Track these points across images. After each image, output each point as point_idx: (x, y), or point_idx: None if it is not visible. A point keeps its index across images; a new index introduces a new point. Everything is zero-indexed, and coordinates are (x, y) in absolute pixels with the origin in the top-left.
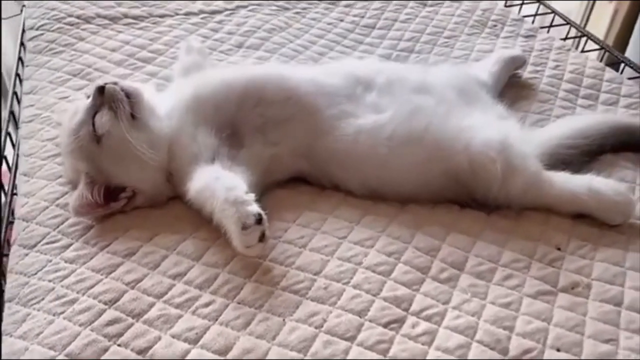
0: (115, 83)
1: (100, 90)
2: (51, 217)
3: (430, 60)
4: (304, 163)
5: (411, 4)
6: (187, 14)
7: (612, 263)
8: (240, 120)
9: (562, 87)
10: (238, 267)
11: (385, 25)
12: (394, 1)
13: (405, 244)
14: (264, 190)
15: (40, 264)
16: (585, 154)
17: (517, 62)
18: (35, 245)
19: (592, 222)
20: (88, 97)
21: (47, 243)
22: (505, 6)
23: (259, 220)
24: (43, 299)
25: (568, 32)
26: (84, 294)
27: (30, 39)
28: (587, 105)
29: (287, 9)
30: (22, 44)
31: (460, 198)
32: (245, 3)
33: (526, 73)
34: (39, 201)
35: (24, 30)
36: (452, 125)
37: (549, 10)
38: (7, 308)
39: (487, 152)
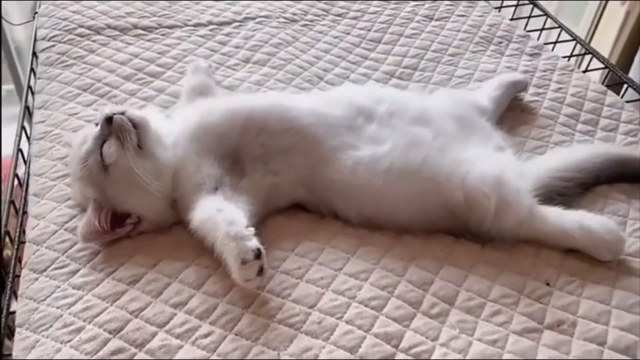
0: (123, 113)
1: (108, 120)
2: (60, 242)
3: (433, 78)
4: (303, 192)
5: (418, 17)
6: (196, 25)
7: (598, 301)
8: (243, 150)
9: (562, 111)
10: (237, 298)
11: (390, 40)
12: (402, 14)
13: (398, 277)
14: (265, 216)
15: (50, 289)
16: (580, 186)
17: (518, 87)
18: (44, 270)
19: (582, 256)
20: (97, 124)
21: (56, 268)
22: (511, 19)
23: (257, 255)
24: (51, 326)
25: (574, 49)
26: (90, 322)
27: (42, 50)
28: (586, 132)
29: (294, 21)
30: (34, 53)
31: (455, 229)
32: (253, 14)
33: (528, 95)
34: (48, 224)
35: (35, 39)
36: (448, 158)
37: (556, 25)
38: (18, 333)
39: (482, 188)
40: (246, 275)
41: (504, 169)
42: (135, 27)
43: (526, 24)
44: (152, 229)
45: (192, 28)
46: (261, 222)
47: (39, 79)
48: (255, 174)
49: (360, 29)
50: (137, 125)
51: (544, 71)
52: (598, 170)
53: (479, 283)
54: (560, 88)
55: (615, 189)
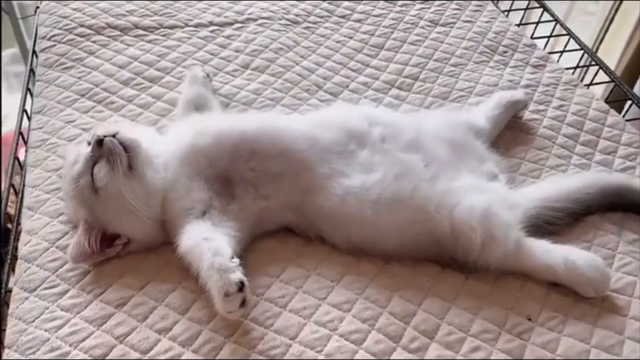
0: (114, 135)
1: (99, 142)
2: (51, 260)
3: (433, 90)
4: (292, 216)
5: (422, 22)
6: (197, 25)
7: (578, 339)
8: (233, 173)
9: (562, 131)
10: (220, 325)
11: (393, 46)
12: (407, 18)
13: (381, 308)
14: (253, 239)
15: (39, 310)
16: (571, 216)
17: (518, 106)
18: (35, 289)
19: (567, 291)
20: (89, 144)
21: (46, 288)
22: (519, 24)
23: (240, 288)
24: (38, 349)
25: (580, 59)
26: (75, 347)
27: (42, 49)
28: (584, 154)
29: (297, 22)
30: (34, 52)
31: (442, 258)
32: (255, 15)
33: (528, 113)
34: (40, 241)
35: (36, 37)
36: (438, 188)
37: (564, 32)
38: (6, 354)
39: (469, 221)
40: (228, 307)
41: (492, 202)
42: (136, 26)
43: (534, 30)
44: (142, 249)
45: (193, 29)
46: (249, 244)
47: (37, 81)
48: (245, 197)
49: (364, 32)
50: (127, 149)
51: (547, 85)
52: (590, 201)
53: (460, 316)
54: (562, 105)
55: (607, 218)
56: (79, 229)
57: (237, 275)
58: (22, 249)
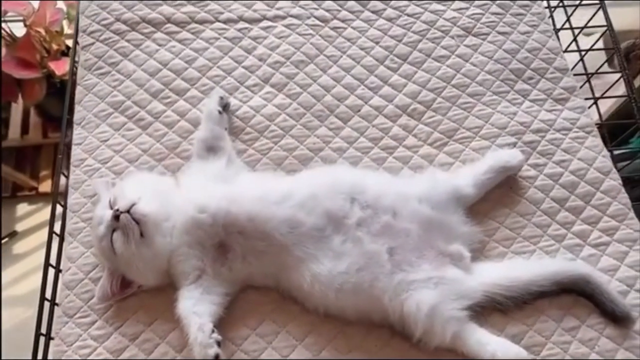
0: (128, 211)
1: (116, 217)
2: (84, 292)
3: (441, 125)
4: (272, 282)
5: (454, 30)
6: (227, 21)
7: None
8: (227, 241)
9: (551, 193)
10: None
11: (416, 60)
12: (439, 22)
13: None
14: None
15: (75, 336)
16: (521, 301)
17: (510, 172)
18: (72, 316)
19: None
20: (110, 208)
21: (80, 317)
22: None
23: (216, 358)
24: None
25: (615, 83)
26: None
27: (83, 47)
28: (563, 223)
29: (325, 21)
30: (76, 42)
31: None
32: (283, 12)
33: (526, 167)
34: (77, 271)
35: (78, 28)
36: (394, 281)
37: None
38: None
39: (415, 315)
40: None
41: (440, 298)
42: (169, 20)
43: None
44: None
45: (222, 25)
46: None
47: (78, 85)
48: (235, 262)
49: (392, 36)
50: (139, 222)
51: (559, 131)
52: (544, 291)
53: None
54: (563, 161)
55: (556, 302)
56: (104, 273)
57: (214, 350)
58: (65, 276)
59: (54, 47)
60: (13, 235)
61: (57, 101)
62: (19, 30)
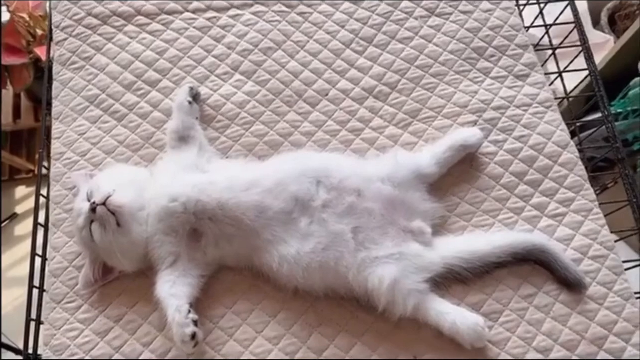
0: (104, 203)
1: (93, 209)
2: (70, 279)
3: (405, 106)
4: (244, 264)
5: (418, 11)
6: (195, 10)
7: None
8: (199, 227)
9: (511, 168)
10: None
11: (381, 42)
12: (404, 4)
13: (302, 344)
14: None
15: (63, 321)
16: (481, 271)
17: (469, 150)
18: (60, 302)
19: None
20: (88, 201)
21: (67, 302)
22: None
23: (193, 337)
24: (63, 353)
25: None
26: (87, 354)
27: (57, 42)
28: (522, 196)
29: (292, 7)
30: (51, 39)
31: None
32: (249, 0)
33: (486, 143)
34: (62, 260)
35: (51, 24)
36: (358, 259)
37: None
38: (42, 350)
39: (378, 290)
40: (184, 349)
41: (401, 273)
42: (139, 12)
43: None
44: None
45: (191, 15)
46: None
47: (55, 80)
48: (208, 246)
49: (357, 20)
50: (115, 213)
51: (519, 107)
52: (501, 262)
53: (362, 353)
54: (523, 136)
55: (514, 272)
56: (86, 262)
57: (191, 329)
58: (50, 265)
59: (39, 32)
60: (14, 217)
61: None
62: (2, 16)
